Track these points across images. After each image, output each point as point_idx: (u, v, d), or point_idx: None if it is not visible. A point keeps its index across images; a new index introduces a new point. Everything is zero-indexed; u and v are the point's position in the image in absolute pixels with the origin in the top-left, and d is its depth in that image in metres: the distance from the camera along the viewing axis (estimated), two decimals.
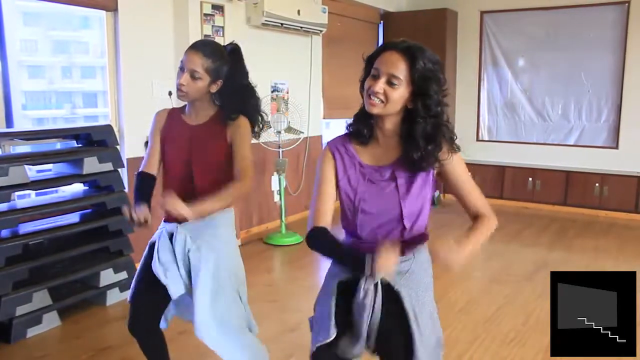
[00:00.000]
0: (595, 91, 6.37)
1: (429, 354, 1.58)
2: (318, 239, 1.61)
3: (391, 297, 1.56)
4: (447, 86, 1.55)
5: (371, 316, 1.54)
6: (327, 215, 1.63)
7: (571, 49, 6.41)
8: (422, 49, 1.50)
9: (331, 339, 1.59)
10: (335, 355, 1.63)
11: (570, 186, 6.43)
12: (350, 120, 1.68)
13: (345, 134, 1.68)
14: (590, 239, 5.27)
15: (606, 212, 6.22)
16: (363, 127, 1.60)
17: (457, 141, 1.60)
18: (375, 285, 1.55)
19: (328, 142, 1.70)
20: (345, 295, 1.61)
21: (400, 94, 1.49)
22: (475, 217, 1.64)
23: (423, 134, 1.51)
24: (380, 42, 7.03)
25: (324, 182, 1.64)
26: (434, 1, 6.87)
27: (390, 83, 1.48)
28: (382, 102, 1.49)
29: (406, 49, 1.49)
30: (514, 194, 6.66)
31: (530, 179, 6.63)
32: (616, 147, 6.33)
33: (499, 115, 6.91)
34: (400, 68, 1.48)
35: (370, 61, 1.56)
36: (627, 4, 6.07)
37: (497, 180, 6.69)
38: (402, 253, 1.56)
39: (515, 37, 6.73)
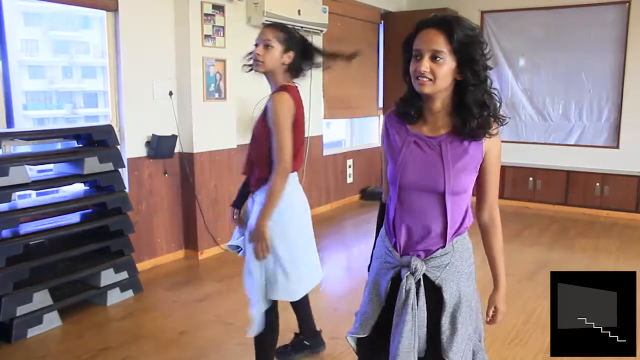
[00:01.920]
0: (596, 91, 6.36)
1: (460, 343, 1.56)
2: (379, 220, 1.76)
3: (433, 293, 1.56)
4: (488, 49, 1.52)
5: (417, 317, 1.54)
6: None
7: (572, 48, 6.41)
8: (456, 18, 1.49)
9: (362, 336, 1.65)
10: (376, 350, 1.66)
11: (571, 186, 6.43)
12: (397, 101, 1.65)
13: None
14: (591, 239, 5.27)
15: (607, 212, 6.21)
16: (410, 109, 1.57)
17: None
18: (418, 282, 1.55)
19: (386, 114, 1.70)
20: (392, 293, 1.61)
21: (446, 68, 1.47)
22: (486, 220, 1.64)
23: (476, 101, 1.49)
24: (381, 42, 7.04)
25: (384, 159, 1.69)
26: (434, 1, 6.86)
27: (434, 59, 1.46)
28: (431, 80, 1.47)
29: (440, 22, 1.48)
30: (515, 194, 6.66)
31: (531, 178, 6.63)
32: (617, 147, 6.32)
33: None
34: (439, 42, 1.46)
35: (407, 46, 1.54)
36: (627, 4, 6.07)
37: None
38: (443, 245, 1.56)
39: (515, 37, 6.72)
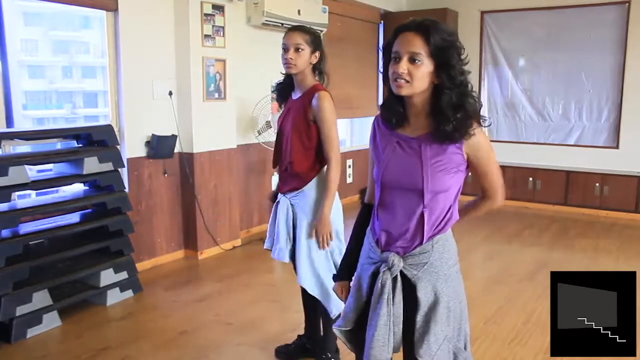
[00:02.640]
0: (596, 91, 6.36)
1: (432, 343, 1.55)
2: (358, 219, 1.84)
3: (409, 291, 1.58)
4: (466, 54, 1.54)
5: (392, 312, 1.56)
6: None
7: (571, 48, 6.41)
8: (434, 22, 1.52)
9: (346, 328, 1.70)
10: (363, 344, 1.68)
11: (570, 186, 6.43)
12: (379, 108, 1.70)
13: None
14: (591, 239, 5.27)
15: (607, 212, 6.22)
16: (391, 116, 1.62)
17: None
18: (395, 279, 1.57)
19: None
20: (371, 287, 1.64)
21: (424, 70, 1.49)
22: (484, 197, 1.70)
23: (450, 104, 1.51)
24: (381, 42, 7.04)
25: (370, 160, 1.77)
26: (434, 1, 6.87)
27: (412, 60, 1.49)
28: (408, 81, 1.50)
29: (419, 26, 1.51)
30: (515, 194, 6.65)
31: (530, 179, 6.63)
32: (617, 147, 6.32)
33: (500, 115, 6.90)
34: (417, 44, 1.49)
35: (387, 50, 1.57)
36: (627, 4, 6.07)
37: None
38: (421, 243, 1.57)
39: (515, 37, 6.73)
